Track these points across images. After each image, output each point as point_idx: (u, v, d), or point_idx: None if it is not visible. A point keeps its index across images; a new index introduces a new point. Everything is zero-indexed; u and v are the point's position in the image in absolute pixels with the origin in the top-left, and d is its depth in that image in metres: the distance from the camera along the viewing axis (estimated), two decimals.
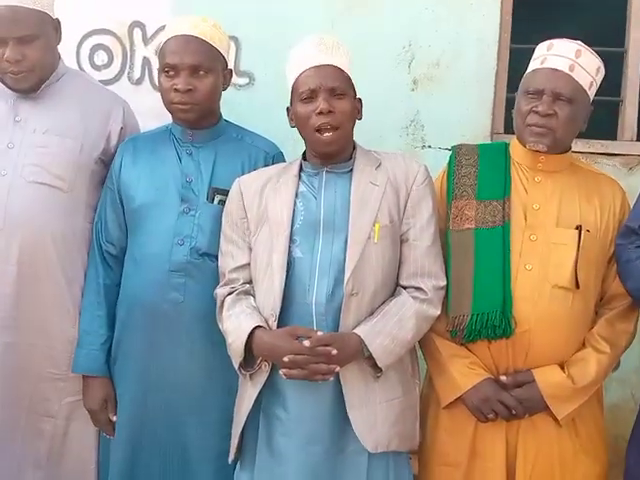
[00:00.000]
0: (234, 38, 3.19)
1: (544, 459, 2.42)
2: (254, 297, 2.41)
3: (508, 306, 2.36)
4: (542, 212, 2.44)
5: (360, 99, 2.46)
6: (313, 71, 2.36)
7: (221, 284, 2.45)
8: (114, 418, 2.63)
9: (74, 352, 2.64)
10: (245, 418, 2.38)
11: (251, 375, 2.36)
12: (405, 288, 2.38)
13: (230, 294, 2.41)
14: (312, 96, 2.35)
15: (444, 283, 2.40)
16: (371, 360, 2.30)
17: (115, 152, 2.70)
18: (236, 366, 2.36)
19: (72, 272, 2.67)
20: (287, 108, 2.45)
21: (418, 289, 2.37)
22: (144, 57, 3.31)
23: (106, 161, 2.74)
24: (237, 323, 2.34)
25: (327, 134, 2.34)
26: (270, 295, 2.33)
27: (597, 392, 2.49)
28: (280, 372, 2.26)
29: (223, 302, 2.42)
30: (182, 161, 2.61)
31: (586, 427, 2.46)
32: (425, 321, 2.37)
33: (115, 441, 2.63)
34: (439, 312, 2.38)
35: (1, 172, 2.62)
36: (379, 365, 2.29)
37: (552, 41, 2.47)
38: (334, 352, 2.21)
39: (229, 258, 2.45)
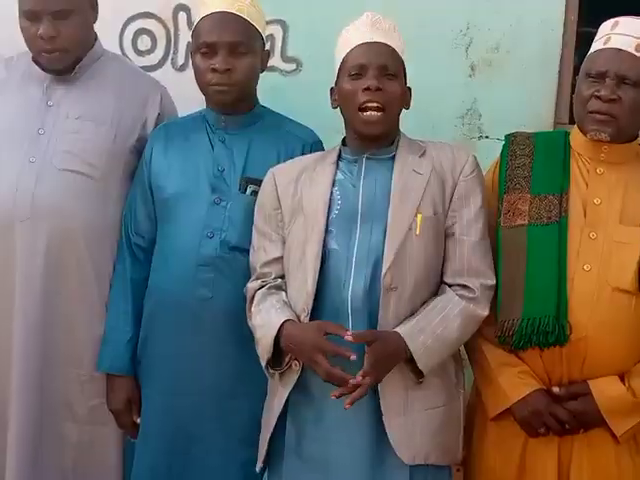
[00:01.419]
0: (281, 22, 3.12)
1: (601, 478, 2.26)
2: (286, 292, 2.30)
3: (563, 311, 2.21)
4: (604, 208, 2.29)
5: (410, 88, 2.36)
6: (365, 47, 2.27)
7: (252, 279, 2.36)
8: (138, 420, 2.55)
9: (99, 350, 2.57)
10: (275, 422, 2.26)
11: (280, 375, 2.25)
12: (450, 286, 2.26)
13: (261, 288, 2.31)
14: (361, 72, 2.25)
15: (493, 282, 2.27)
16: (412, 363, 2.17)
17: None
18: (263, 364, 2.24)
19: (102, 266, 2.60)
20: (331, 88, 2.36)
21: (465, 287, 2.24)
22: (188, 42, 3.17)
23: (141, 149, 2.65)
24: (267, 318, 2.24)
25: (372, 113, 2.23)
26: (303, 289, 2.22)
27: None
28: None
29: (253, 297, 2.32)
30: (214, 149, 2.52)
31: None
32: (472, 322, 2.24)
33: (139, 445, 2.55)
34: (487, 313, 2.25)
35: (30, 159, 2.55)
36: (419, 366, 2.16)
37: (617, 19, 2.31)
38: (353, 357, 2.09)
39: (261, 252, 2.36)
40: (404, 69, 2.32)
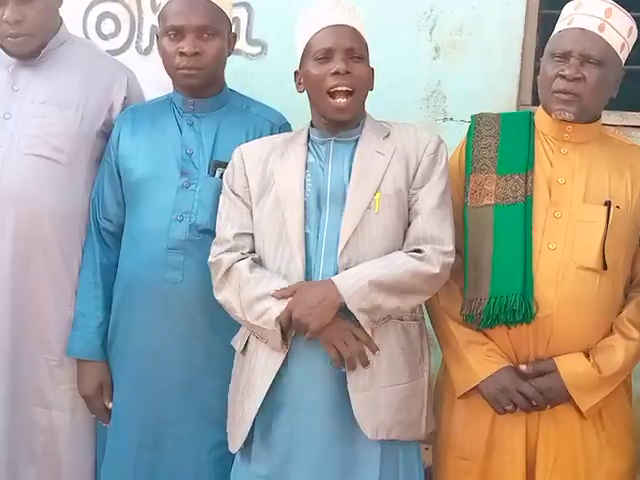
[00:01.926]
0: (246, 4, 3.14)
1: (567, 453, 2.29)
2: None
3: (529, 289, 2.24)
4: (568, 187, 2.31)
5: (373, 69, 2.34)
6: (330, 30, 2.25)
7: (223, 250, 2.29)
8: (110, 405, 2.54)
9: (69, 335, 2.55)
10: (261, 400, 2.23)
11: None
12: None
13: (241, 260, 2.26)
14: (328, 56, 2.23)
15: (449, 249, 2.22)
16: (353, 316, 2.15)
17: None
18: (278, 330, 2.15)
19: (70, 250, 2.58)
20: (295, 72, 2.34)
21: (417, 251, 2.22)
22: (152, 26, 3.22)
23: (108, 133, 2.63)
24: (281, 284, 2.19)
25: (341, 99, 2.23)
26: (293, 272, 2.21)
27: (625, 382, 2.35)
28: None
29: (231, 268, 2.26)
30: (182, 132, 2.50)
31: (613, 420, 2.32)
32: (417, 276, 2.19)
33: (112, 429, 2.54)
34: (437, 272, 2.20)
35: None
36: (349, 307, 2.13)
37: (581, 0, 2.33)
38: None
39: (233, 222, 2.31)
40: (368, 51, 2.31)
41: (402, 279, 2.17)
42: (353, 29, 2.26)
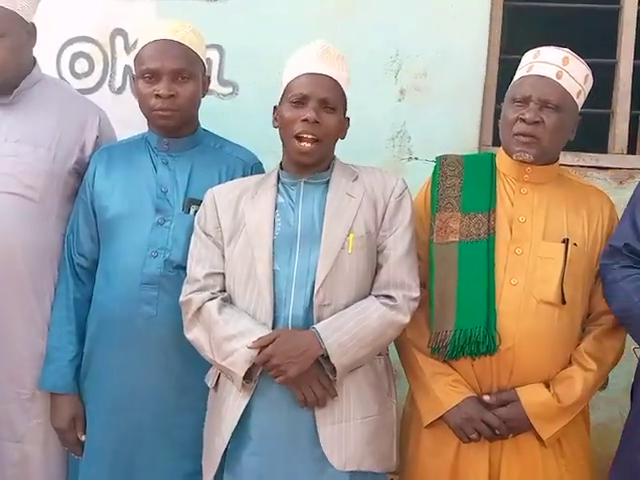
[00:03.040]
0: (218, 47, 3.18)
1: None
2: None
3: (492, 322, 2.31)
4: (528, 225, 2.40)
5: (348, 118, 2.42)
6: (310, 77, 2.32)
7: (194, 289, 2.35)
8: (82, 438, 2.55)
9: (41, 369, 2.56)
10: (230, 435, 2.28)
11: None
12: (376, 297, 2.32)
13: (211, 300, 2.32)
14: (302, 101, 2.30)
15: (417, 294, 2.33)
16: (330, 363, 2.22)
17: (90, 162, 2.63)
18: (241, 374, 2.22)
19: (42, 285, 2.59)
20: (274, 107, 2.40)
21: (387, 297, 2.31)
22: (125, 65, 3.26)
23: (80, 171, 2.66)
24: (248, 326, 2.25)
25: (306, 144, 2.29)
26: (261, 308, 2.27)
27: (583, 411, 2.43)
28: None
29: (201, 308, 2.32)
30: (157, 171, 2.55)
31: (572, 447, 2.40)
32: (391, 327, 2.29)
33: (84, 462, 2.55)
34: (408, 321, 2.30)
35: None
36: (333, 362, 2.21)
37: (539, 48, 2.44)
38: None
39: (204, 262, 2.36)
40: (345, 101, 2.37)
41: (379, 331, 2.26)
42: (332, 80, 2.32)
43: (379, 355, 2.36)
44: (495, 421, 2.31)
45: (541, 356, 2.33)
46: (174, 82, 2.46)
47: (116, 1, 3.26)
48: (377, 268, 2.34)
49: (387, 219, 2.34)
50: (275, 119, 2.39)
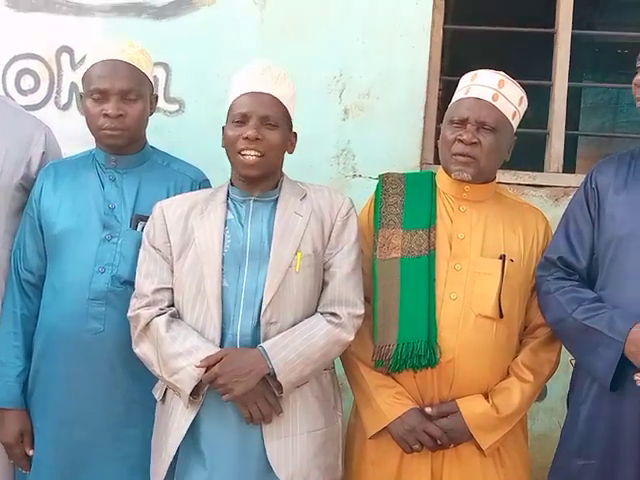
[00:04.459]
0: (164, 64, 3.21)
1: None
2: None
3: (433, 335, 2.36)
4: (467, 242, 2.46)
5: (295, 133, 2.46)
6: (250, 97, 2.36)
7: (141, 304, 2.37)
8: (30, 452, 2.54)
9: None
10: (177, 447, 2.31)
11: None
12: (322, 314, 2.37)
13: (160, 315, 2.34)
14: (243, 120, 2.34)
15: (361, 312, 2.38)
16: (276, 380, 2.26)
17: (36, 178, 2.64)
18: (188, 391, 2.25)
19: None
20: (223, 127, 2.43)
21: (333, 314, 2.35)
22: (72, 82, 3.28)
23: (27, 187, 2.67)
24: (194, 344, 2.27)
25: (250, 157, 2.33)
26: (209, 324, 2.30)
27: (521, 421, 2.49)
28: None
29: (149, 324, 2.34)
30: (105, 187, 2.56)
31: (510, 456, 2.46)
32: (336, 345, 2.34)
33: (32, 476, 2.54)
34: (352, 338, 2.36)
35: None
36: (279, 379, 2.25)
37: (476, 72, 2.50)
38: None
39: (153, 277, 2.38)
40: (288, 117, 2.41)
41: (324, 349, 2.31)
42: (273, 97, 2.36)
43: (325, 369, 2.40)
44: (437, 432, 2.36)
45: (480, 368, 2.39)
46: (122, 102, 2.48)
47: (62, 18, 3.28)
48: (323, 285, 2.38)
49: (333, 237, 2.39)
50: (223, 139, 2.42)
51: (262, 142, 2.32)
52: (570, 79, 3.33)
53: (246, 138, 2.32)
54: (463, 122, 2.42)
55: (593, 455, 2.35)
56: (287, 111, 2.40)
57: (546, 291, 2.42)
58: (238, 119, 2.35)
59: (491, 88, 2.44)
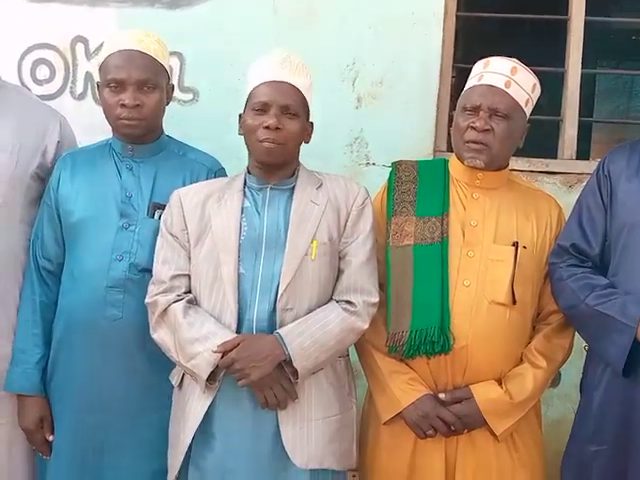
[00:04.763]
0: (178, 54, 3.23)
1: (483, 474, 2.43)
2: None
3: (446, 322, 2.37)
4: (480, 229, 2.47)
5: (312, 123, 2.47)
6: (270, 85, 2.37)
7: (159, 291, 2.39)
8: (50, 438, 2.58)
9: (7, 371, 2.58)
10: (194, 432, 2.34)
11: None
12: (337, 302, 2.39)
13: (177, 301, 2.37)
14: (264, 109, 2.35)
15: (376, 300, 2.40)
16: (290, 364, 2.29)
17: (52, 167, 2.66)
18: (205, 376, 2.28)
19: (7, 289, 2.61)
20: (239, 115, 2.45)
21: (348, 302, 2.37)
22: (87, 72, 3.31)
23: (42, 176, 2.69)
24: (212, 329, 2.30)
25: (269, 144, 2.34)
26: (226, 310, 2.32)
27: (535, 407, 2.51)
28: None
29: (167, 310, 2.36)
30: (122, 176, 2.59)
31: (524, 442, 2.47)
32: (351, 332, 2.37)
33: (52, 462, 2.58)
34: (367, 326, 2.38)
35: None
36: (295, 366, 2.27)
37: (489, 59, 2.51)
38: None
39: (170, 264, 2.41)
40: (307, 106, 2.42)
41: (340, 337, 2.33)
42: (293, 87, 2.38)
43: (339, 356, 2.42)
44: (450, 417, 2.38)
45: (493, 354, 2.40)
46: (139, 92, 2.50)
47: (77, 8, 3.31)
48: (339, 274, 2.40)
49: (349, 227, 2.41)
50: (240, 126, 2.43)
51: (282, 131, 2.34)
52: (584, 65, 3.34)
53: (267, 127, 2.33)
54: (476, 109, 2.43)
55: (606, 441, 2.37)
56: (306, 101, 2.42)
57: (559, 278, 2.43)
58: (259, 107, 2.36)
59: (504, 75, 2.45)
